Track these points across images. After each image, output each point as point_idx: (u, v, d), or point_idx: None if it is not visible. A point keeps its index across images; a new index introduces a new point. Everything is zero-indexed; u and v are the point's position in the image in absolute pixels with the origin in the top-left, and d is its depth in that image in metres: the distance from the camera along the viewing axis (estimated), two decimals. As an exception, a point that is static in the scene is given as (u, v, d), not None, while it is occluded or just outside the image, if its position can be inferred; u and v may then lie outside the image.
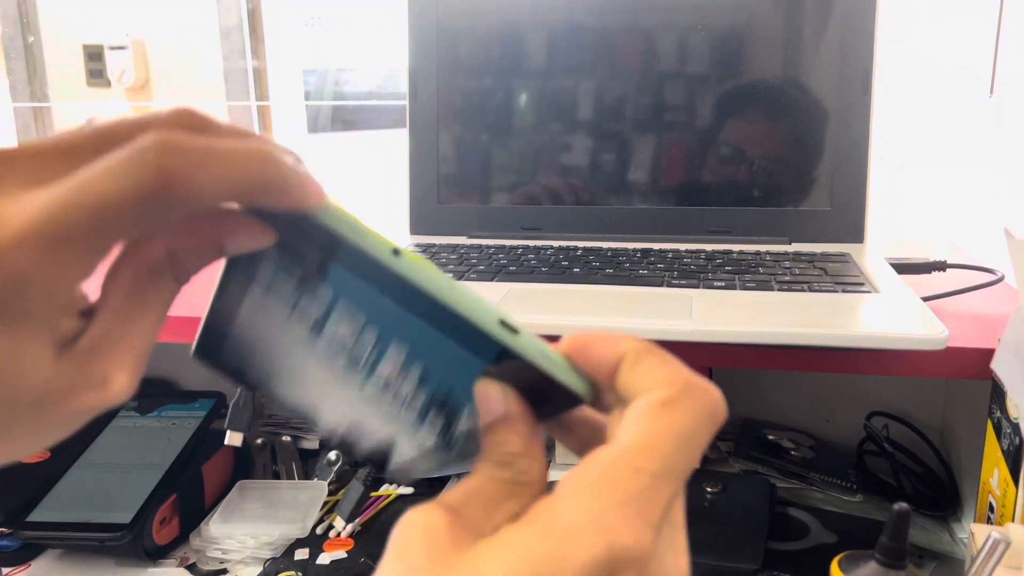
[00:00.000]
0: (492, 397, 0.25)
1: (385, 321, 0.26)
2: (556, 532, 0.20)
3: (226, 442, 0.74)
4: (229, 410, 0.74)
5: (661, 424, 0.23)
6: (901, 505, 0.47)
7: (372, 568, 0.65)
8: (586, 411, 0.27)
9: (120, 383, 0.24)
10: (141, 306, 0.25)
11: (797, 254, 0.72)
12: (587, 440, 0.27)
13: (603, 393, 0.26)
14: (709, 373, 0.78)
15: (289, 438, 0.81)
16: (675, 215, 0.80)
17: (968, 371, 0.57)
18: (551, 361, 0.25)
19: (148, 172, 0.21)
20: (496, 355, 0.25)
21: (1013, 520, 0.51)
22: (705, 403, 0.23)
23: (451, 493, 0.24)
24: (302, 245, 0.25)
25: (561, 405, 0.26)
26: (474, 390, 0.26)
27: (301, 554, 0.68)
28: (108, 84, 2.13)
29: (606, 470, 0.22)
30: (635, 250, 0.74)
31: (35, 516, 0.68)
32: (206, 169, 0.21)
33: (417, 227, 0.84)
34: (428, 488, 0.77)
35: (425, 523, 0.22)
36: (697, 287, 0.62)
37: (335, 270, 0.25)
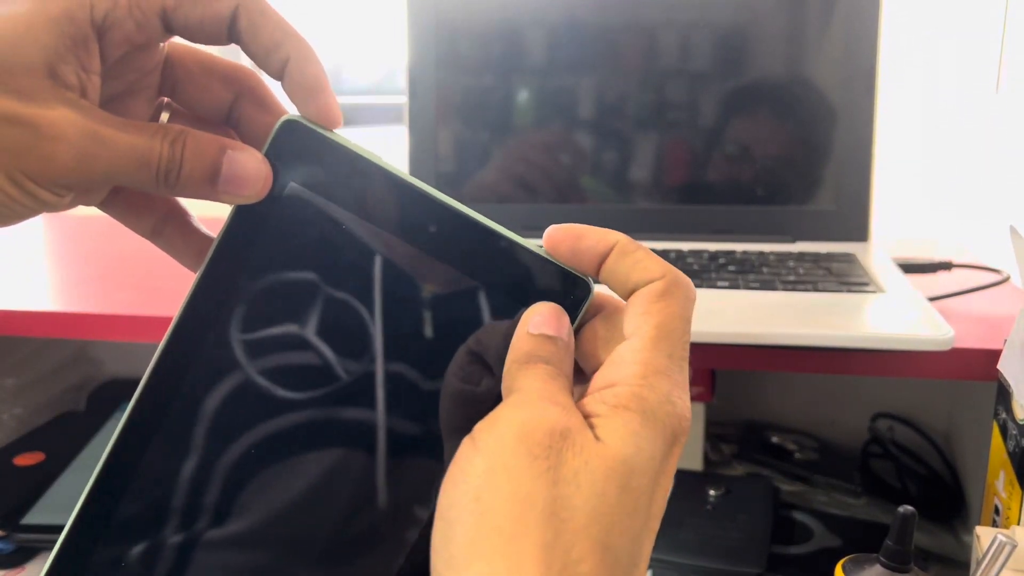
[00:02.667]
0: (557, 317, 0.29)
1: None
2: (650, 413, 0.26)
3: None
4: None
5: (666, 313, 0.28)
6: (906, 508, 0.46)
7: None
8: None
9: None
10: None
11: (801, 254, 0.71)
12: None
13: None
14: (712, 375, 0.77)
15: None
16: (677, 214, 0.79)
17: (974, 372, 0.56)
18: (553, 256, 0.30)
19: None
20: (504, 250, 0.30)
21: (1019, 523, 0.50)
22: (688, 288, 0.29)
23: (543, 390, 0.27)
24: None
25: (575, 301, 0.30)
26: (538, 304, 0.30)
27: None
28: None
29: (654, 361, 0.28)
30: (636, 250, 0.73)
31: (30, 519, 0.68)
32: None
33: (416, 226, 0.83)
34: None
35: (554, 419, 0.26)
36: (700, 287, 0.61)
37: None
